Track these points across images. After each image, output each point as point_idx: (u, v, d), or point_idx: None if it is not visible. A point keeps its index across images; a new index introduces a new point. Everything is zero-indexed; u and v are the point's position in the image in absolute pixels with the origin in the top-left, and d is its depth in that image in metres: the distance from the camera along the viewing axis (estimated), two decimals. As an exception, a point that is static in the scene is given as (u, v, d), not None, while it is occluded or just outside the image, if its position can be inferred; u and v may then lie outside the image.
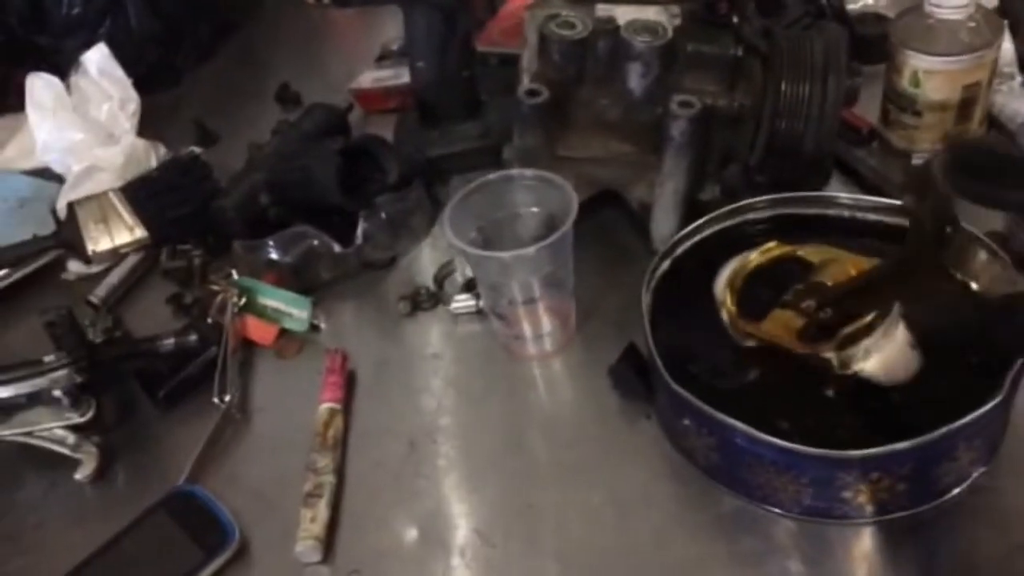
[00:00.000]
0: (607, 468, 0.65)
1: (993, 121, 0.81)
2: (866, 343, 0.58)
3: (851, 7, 0.91)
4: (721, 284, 0.66)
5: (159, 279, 0.85)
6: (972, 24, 0.74)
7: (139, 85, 0.96)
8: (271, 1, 1.26)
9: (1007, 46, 0.83)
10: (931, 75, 0.75)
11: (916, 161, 0.79)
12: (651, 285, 0.66)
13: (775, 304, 0.63)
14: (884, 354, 0.58)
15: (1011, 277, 0.53)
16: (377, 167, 0.82)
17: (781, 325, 0.62)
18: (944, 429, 0.53)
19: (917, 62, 0.75)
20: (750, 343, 0.64)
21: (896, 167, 0.80)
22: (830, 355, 0.59)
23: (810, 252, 0.65)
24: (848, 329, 0.59)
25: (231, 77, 1.13)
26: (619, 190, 0.77)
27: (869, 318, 0.59)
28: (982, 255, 0.59)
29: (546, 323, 0.71)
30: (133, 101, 0.95)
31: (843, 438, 0.56)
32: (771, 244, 0.67)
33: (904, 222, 0.66)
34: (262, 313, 0.78)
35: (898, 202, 0.67)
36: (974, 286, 0.51)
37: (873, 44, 0.82)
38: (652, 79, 0.71)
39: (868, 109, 0.83)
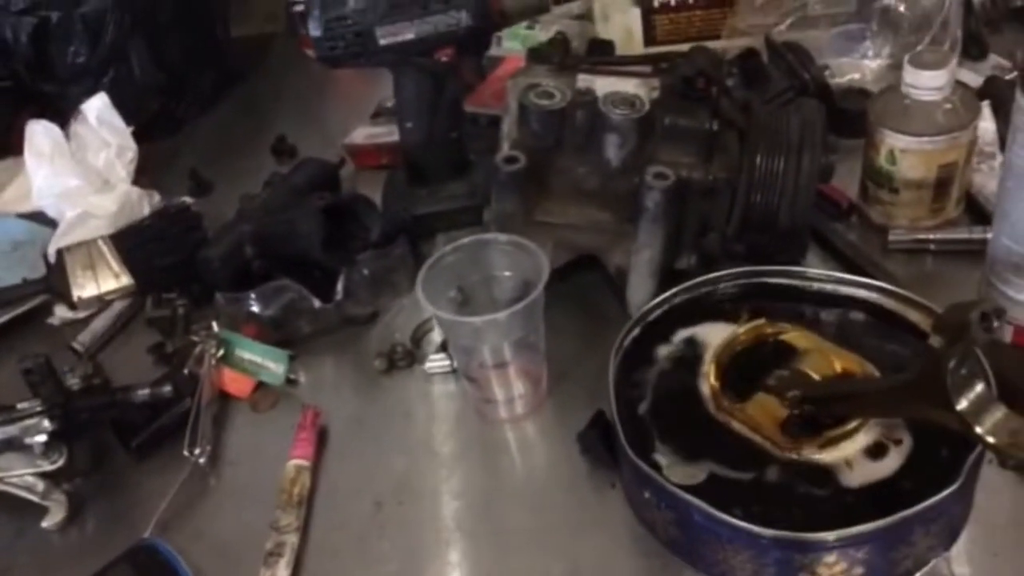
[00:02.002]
0: (571, 536, 0.65)
1: (971, 200, 0.81)
2: (847, 450, 0.58)
3: (837, 81, 0.92)
4: (707, 345, 0.66)
5: (143, 327, 0.86)
6: (948, 106, 0.75)
7: (139, 133, 0.98)
8: (275, 54, 1.29)
9: (988, 126, 0.84)
10: (907, 154, 0.76)
11: (893, 237, 0.80)
12: (620, 353, 0.66)
13: (755, 386, 0.63)
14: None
15: (1015, 426, 0.52)
16: (361, 225, 0.83)
17: (763, 411, 0.62)
18: (900, 515, 0.52)
19: (893, 141, 0.76)
20: (723, 419, 0.63)
21: (874, 242, 0.81)
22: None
23: (794, 337, 0.65)
24: (833, 432, 0.59)
25: (231, 128, 1.16)
26: (597, 255, 0.78)
27: (854, 424, 0.59)
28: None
29: (517, 386, 0.72)
30: (131, 150, 0.97)
31: (802, 519, 0.56)
32: (760, 321, 0.66)
33: (873, 296, 0.67)
34: (239, 366, 0.78)
35: (869, 280, 0.67)
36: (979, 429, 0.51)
37: (856, 119, 0.83)
38: (629, 150, 0.72)
39: (848, 183, 0.84)
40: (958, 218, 0.81)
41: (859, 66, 0.94)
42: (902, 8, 0.92)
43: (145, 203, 0.95)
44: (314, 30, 0.78)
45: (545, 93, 0.72)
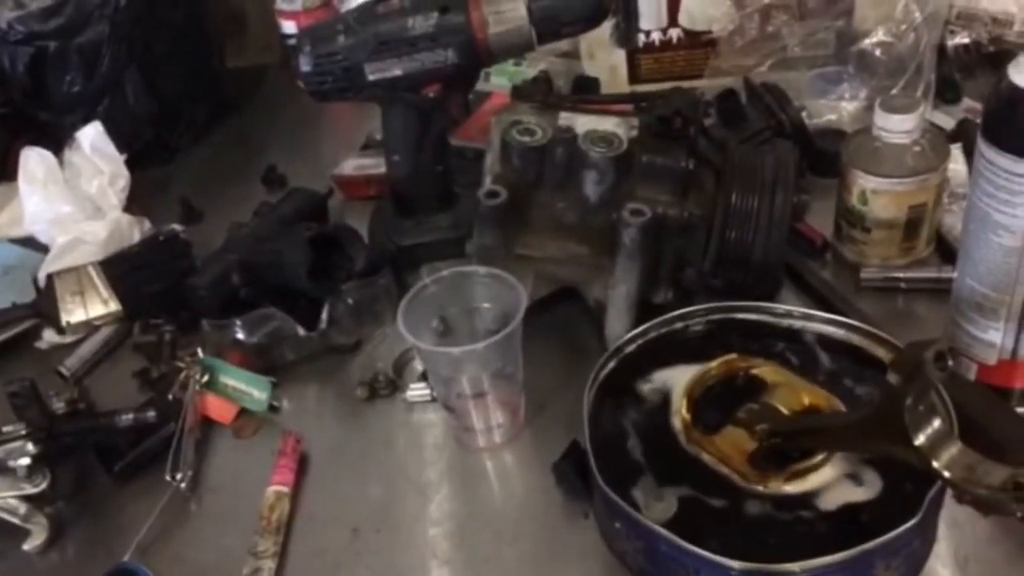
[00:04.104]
0: (546, 565, 0.66)
1: (942, 240, 0.83)
2: (813, 482, 0.59)
3: (815, 122, 0.94)
4: (678, 385, 0.68)
5: (129, 352, 0.87)
6: (918, 148, 0.77)
7: (132, 161, 1.00)
8: (269, 85, 1.31)
9: (960, 168, 0.86)
10: (878, 195, 0.78)
11: (865, 275, 0.81)
12: (595, 385, 0.68)
13: (725, 419, 0.64)
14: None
15: (970, 461, 0.54)
16: (346, 255, 0.84)
17: (732, 444, 0.63)
18: (861, 548, 0.53)
19: (865, 182, 0.78)
20: (695, 451, 0.65)
21: (848, 279, 0.82)
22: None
23: (765, 372, 0.66)
24: (800, 465, 0.60)
25: (223, 157, 1.17)
26: (577, 288, 0.79)
27: (820, 457, 0.60)
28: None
29: (495, 416, 0.73)
30: (123, 177, 0.99)
31: (777, 547, 0.57)
32: (731, 356, 0.67)
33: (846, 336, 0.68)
34: (223, 392, 0.80)
35: (839, 317, 0.69)
36: (936, 464, 0.53)
37: (833, 159, 0.85)
38: (607, 187, 0.74)
39: (824, 222, 0.86)
40: (928, 257, 0.83)
41: (836, 107, 0.96)
42: (878, 52, 0.94)
43: (136, 230, 0.96)
44: (304, 65, 0.80)
45: (527, 130, 0.74)
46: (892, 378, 0.52)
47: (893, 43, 0.93)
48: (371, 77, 0.80)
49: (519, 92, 0.80)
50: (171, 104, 1.13)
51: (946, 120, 0.92)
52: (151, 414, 0.75)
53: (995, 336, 0.65)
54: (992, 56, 0.98)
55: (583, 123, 0.74)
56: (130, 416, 0.75)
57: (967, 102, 0.96)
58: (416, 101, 0.82)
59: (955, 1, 0.97)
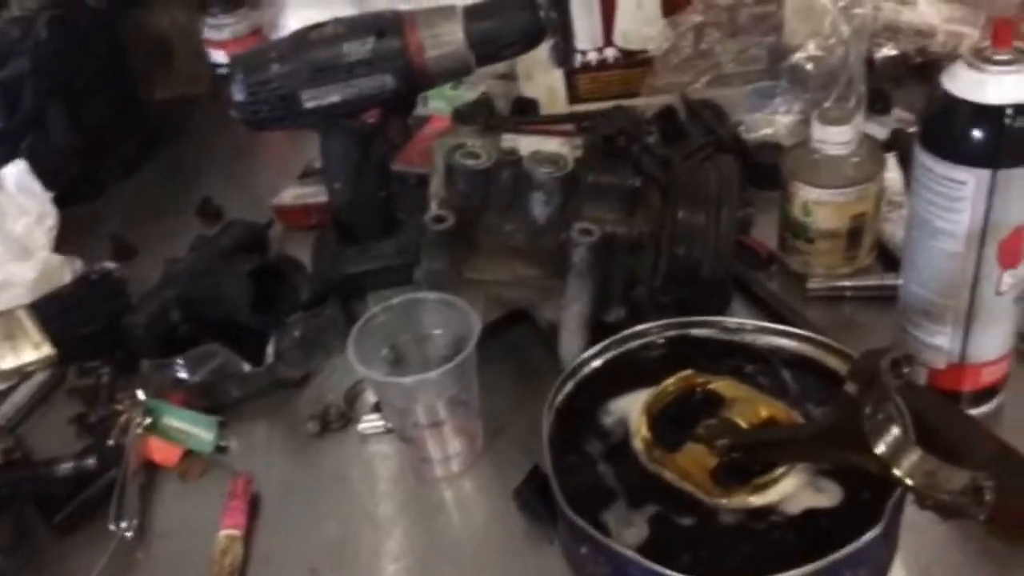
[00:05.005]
0: (510, 595, 0.65)
1: (882, 248, 0.85)
2: (776, 494, 0.59)
3: (752, 136, 0.95)
4: (637, 410, 0.67)
5: (65, 397, 0.84)
6: (856, 159, 0.79)
7: (60, 199, 0.97)
8: (199, 116, 1.28)
9: (895, 176, 0.88)
10: (820, 206, 0.79)
11: (812, 285, 0.83)
12: (553, 408, 0.67)
13: (685, 436, 0.64)
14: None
15: (930, 467, 0.54)
16: (290, 286, 0.83)
17: (693, 461, 0.62)
18: (829, 559, 0.53)
19: (806, 193, 0.80)
20: (655, 470, 0.64)
21: (795, 290, 0.83)
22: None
23: (722, 386, 0.66)
24: (762, 479, 0.60)
25: (154, 191, 1.14)
26: (528, 310, 0.79)
27: (781, 469, 0.60)
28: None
29: (453, 444, 0.72)
30: (51, 216, 0.95)
31: (752, 557, 0.57)
32: (688, 372, 0.67)
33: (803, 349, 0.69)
34: (167, 434, 0.77)
35: (786, 327, 0.70)
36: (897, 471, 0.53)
37: (772, 172, 0.86)
38: (554, 207, 0.73)
39: (767, 233, 0.87)
40: (871, 265, 0.85)
41: (772, 121, 0.97)
42: (809, 66, 0.96)
43: (67, 270, 0.93)
44: (238, 94, 0.78)
45: (471, 153, 0.73)
46: (849, 387, 0.52)
47: (823, 57, 0.95)
48: (308, 105, 0.78)
49: (460, 115, 0.79)
50: (97, 138, 1.10)
51: (879, 130, 0.94)
52: (91, 461, 0.72)
53: (943, 341, 0.66)
54: (919, 67, 1.01)
55: (527, 144, 0.74)
56: (70, 464, 0.72)
57: (897, 112, 0.99)
58: (355, 127, 0.81)
59: (879, 15, 0.99)
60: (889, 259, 0.84)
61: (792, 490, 0.60)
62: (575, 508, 0.59)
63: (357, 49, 0.75)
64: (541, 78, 1.04)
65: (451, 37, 0.76)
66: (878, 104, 0.98)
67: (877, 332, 0.77)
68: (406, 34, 0.76)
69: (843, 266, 0.83)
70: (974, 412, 0.69)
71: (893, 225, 0.85)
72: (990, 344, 0.67)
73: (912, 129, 0.94)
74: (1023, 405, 0.71)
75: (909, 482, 0.52)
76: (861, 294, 0.82)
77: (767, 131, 0.97)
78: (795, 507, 0.60)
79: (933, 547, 0.63)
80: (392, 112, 0.81)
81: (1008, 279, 0.64)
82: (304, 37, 0.77)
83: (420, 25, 0.76)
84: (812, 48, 0.95)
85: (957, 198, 0.60)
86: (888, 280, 0.81)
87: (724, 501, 0.60)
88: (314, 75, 0.77)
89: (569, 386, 0.69)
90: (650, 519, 0.60)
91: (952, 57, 1.01)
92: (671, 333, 0.72)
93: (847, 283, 0.82)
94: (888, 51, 1.02)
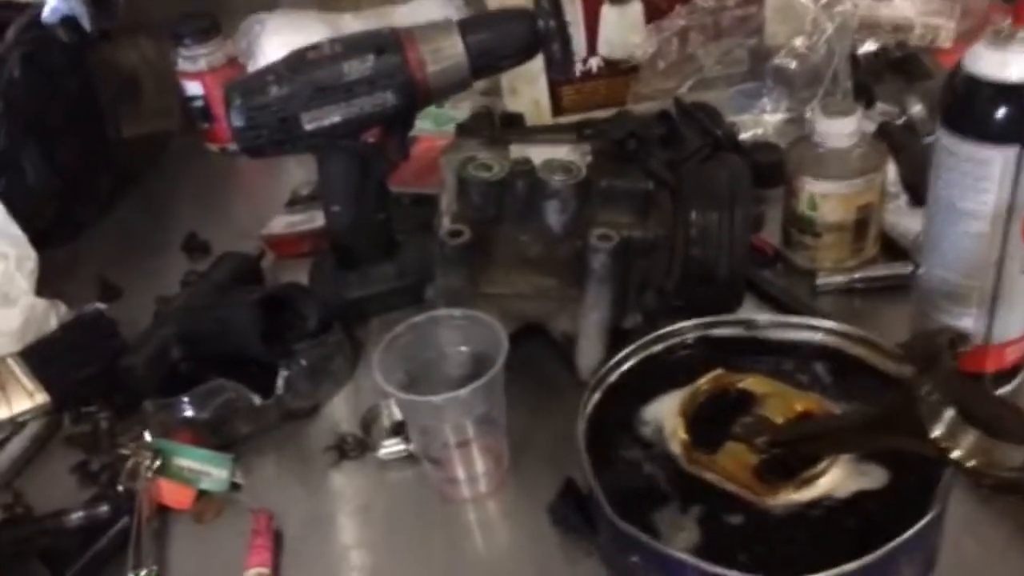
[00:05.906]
0: (548, 614, 0.63)
1: (886, 238, 0.86)
2: (824, 487, 0.59)
3: (743, 137, 0.96)
4: (671, 413, 0.66)
5: (62, 446, 0.80)
6: (860, 150, 0.79)
7: (37, 241, 0.93)
8: (172, 151, 1.25)
9: (889, 167, 0.89)
10: (827, 198, 0.80)
11: (820, 281, 0.83)
12: (586, 415, 0.66)
13: (723, 436, 0.63)
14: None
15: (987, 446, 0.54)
16: (296, 314, 0.80)
17: (735, 460, 0.62)
18: (888, 547, 0.53)
19: (813, 187, 0.80)
20: (695, 471, 0.63)
21: (803, 286, 0.83)
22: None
23: (752, 383, 0.66)
24: (808, 472, 0.60)
25: (132, 230, 1.11)
26: (542, 323, 0.77)
27: (825, 463, 0.59)
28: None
29: (480, 464, 0.70)
30: (31, 259, 0.91)
31: (808, 548, 0.56)
32: (719, 371, 0.67)
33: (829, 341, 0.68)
34: (178, 475, 0.73)
35: (810, 319, 0.69)
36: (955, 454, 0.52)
37: (767, 170, 0.87)
38: (569, 215, 0.72)
39: (769, 231, 0.87)
40: (877, 256, 0.85)
41: (760, 121, 0.98)
42: (793, 65, 0.97)
43: (52, 315, 0.89)
44: (236, 120, 0.75)
45: (483, 165, 0.72)
46: (905, 370, 0.51)
47: (807, 55, 0.96)
48: (308, 127, 0.76)
49: (464, 129, 0.78)
50: (72, 177, 1.06)
51: (866, 124, 0.95)
52: (103, 509, 0.69)
53: (968, 322, 0.67)
54: (899, 61, 1.02)
55: (538, 154, 0.73)
56: (80, 514, 0.69)
57: (881, 106, 1.00)
58: (356, 148, 0.79)
59: (857, 11, 1.01)
60: (892, 248, 0.85)
61: (839, 480, 0.60)
62: (621, 517, 0.58)
63: (357, 67, 0.74)
64: (526, 91, 1.03)
65: (452, 51, 0.75)
66: (862, 99, 0.99)
67: (890, 321, 0.77)
68: (406, 50, 0.75)
69: (850, 258, 0.83)
70: (996, 392, 0.70)
71: (892, 215, 0.86)
72: (1015, 323, 0.67)
73: (899, 121, 0.95)
74: (1044, 383, 0.72)
75: (970, 464, 0.51)
76: (871, 285, 0.82)
77: (756, 131, 0.97)
78: (844, 491, 0.59)
79: (980, 535, 0.63)
80: (392, 130, 0.79)
81: (1033, 256, 0.64)
82: (302, 58, 0.75)
83: (419, 40, 0.75)
84: (796, 46, 0.96)
85: (983, 177, 0.60)
86: (897, 269, 0.81)
87: (771, 500, 0.60)
88: (314, 96, 0.75)
89: (598, 394, 0.68)
90: (699, 521, 0.59)
91: (930, 50, 1.04)
92: (695, 334, 0.71)
93: (856, 275, 0.82)
94: (869, 46, 1.03)
